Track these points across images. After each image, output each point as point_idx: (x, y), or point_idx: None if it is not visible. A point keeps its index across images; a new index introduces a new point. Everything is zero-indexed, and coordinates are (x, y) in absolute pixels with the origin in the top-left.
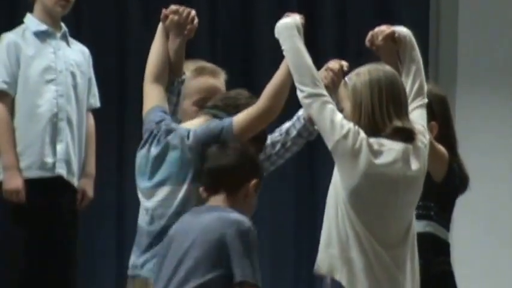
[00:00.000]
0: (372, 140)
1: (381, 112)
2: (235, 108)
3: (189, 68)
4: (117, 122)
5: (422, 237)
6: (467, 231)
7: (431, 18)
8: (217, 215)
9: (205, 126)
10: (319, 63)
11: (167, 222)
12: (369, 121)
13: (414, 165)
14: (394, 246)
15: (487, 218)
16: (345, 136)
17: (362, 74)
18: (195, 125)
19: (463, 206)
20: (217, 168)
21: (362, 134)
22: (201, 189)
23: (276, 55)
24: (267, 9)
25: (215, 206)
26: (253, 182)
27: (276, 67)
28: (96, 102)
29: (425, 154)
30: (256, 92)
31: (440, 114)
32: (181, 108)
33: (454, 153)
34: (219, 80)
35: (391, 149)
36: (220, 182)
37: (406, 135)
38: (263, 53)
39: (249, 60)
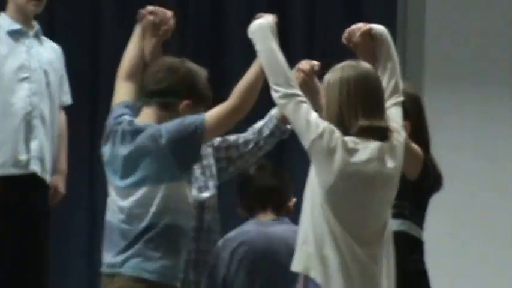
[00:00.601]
0: (347, 138)
1: (348, 111)
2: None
3: None
4: (89, 118)
5: (396, 235)
6: (438, 228)
7: (399, 19)
8: (289, 228)
9: (178, 124)
10: (289, 65)
11: (151, 221)
12: (337, 119)
13: (390, 163)
14: (371, 244)
15: (457, 215)
16: (321, 135)
17: (335, 71)
18: (153, 119)
19: (434, 204)
20: (268, 188)
21: (337, 133)
22: (240, 209)
23: (245, 55)
24: (236, 10)
25: (279, 219)
26: (294, 200)
27: (246, 66)
28: (68, 99)
29: (401, 152)
30: (226, 92)
31: (413, 113)
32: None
33: (428, 152)
34: None
35: (366, 147)
36: (269, 200)
37: (380, 133)
38: (233, 54)
39: (219, 60)
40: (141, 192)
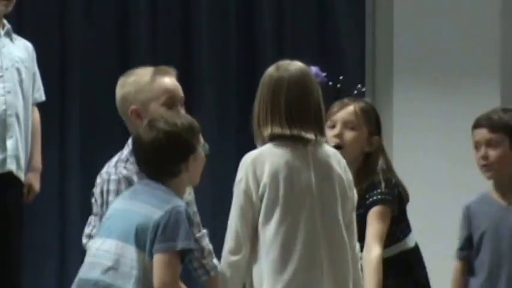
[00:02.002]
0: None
1: (263, 116)
2: None
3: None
4: (59, 117)
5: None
6: None
7: (367, 17)
8: None
9: None
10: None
11: None
12: (256, 123)
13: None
14: None
15: (424, 219)
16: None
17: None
18: None
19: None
20: None
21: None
22: None
23: (214, 56)
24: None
25: None
26: None
27: (213, 67)
28: (41, 96)
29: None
30: (194, 91)
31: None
32: (147, 112)
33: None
34: (175, 79)
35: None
36: None
37: (298, 141)
38: (201, 57)
39: (188, 60)
40: None
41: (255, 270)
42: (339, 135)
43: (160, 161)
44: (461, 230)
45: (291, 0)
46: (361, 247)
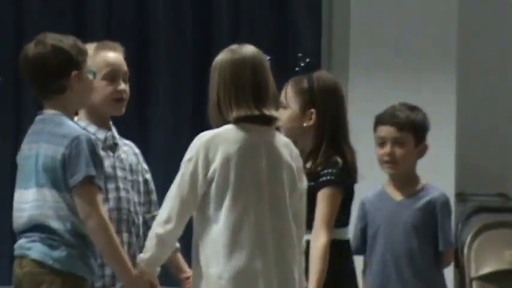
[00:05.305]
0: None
1: (224, 99)
2: None
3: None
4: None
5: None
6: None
7: (324, 6)
8: None
9: None
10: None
11: None
12: (216, 108)
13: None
14: None
15: None
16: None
17: (219, 54)
18: None
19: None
20: None
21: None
22: None
23: (171, 43)
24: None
25: None
26: None
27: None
28: None
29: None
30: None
31: (330, 104)
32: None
33: (338, 148)
34: (120, 54)
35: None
36: None
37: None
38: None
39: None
40: None
41: (207, 250)
42: None
43: (44, 74)
44: (356, 222)
45: None
46: (309, 220)
